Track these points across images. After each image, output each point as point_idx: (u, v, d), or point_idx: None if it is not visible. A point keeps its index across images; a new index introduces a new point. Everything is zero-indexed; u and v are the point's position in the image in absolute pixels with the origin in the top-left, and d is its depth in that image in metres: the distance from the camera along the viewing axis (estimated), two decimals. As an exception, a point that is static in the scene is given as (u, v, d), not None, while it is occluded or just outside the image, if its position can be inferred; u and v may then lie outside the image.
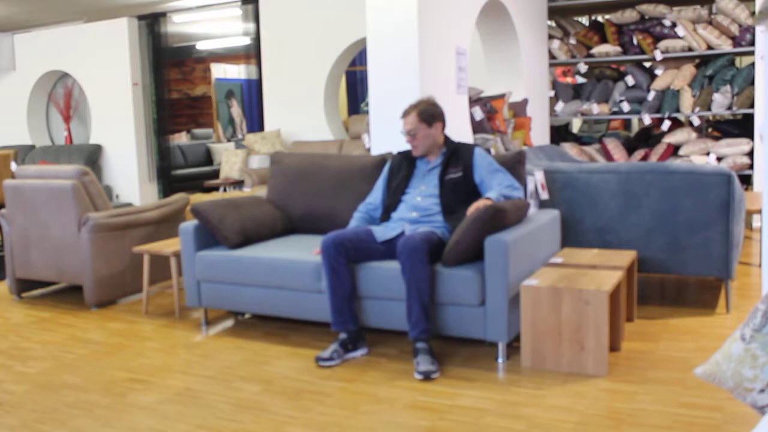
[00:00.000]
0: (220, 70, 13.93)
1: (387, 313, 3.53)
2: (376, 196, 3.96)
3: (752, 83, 6.60)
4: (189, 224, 4.07)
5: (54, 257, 4.69)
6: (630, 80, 7.24)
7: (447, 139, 3.84)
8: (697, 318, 3.97)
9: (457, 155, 3.76)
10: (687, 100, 6.87)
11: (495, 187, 3.64)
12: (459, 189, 3.68)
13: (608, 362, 3.17)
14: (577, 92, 7.60)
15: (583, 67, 7.57)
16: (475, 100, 5.62)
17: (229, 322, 4.26)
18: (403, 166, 3.87)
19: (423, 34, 4.56)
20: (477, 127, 5.46)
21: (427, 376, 3.22)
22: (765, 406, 1.78)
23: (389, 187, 3.90)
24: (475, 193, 3.70)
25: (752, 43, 6.55)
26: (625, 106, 7.20)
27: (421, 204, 3.72)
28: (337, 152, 7.87)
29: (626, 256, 3.78)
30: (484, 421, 2.77)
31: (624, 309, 3.51)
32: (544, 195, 4.25)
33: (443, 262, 3.41)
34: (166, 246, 4.43)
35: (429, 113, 3.72)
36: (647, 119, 7.21)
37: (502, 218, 3.38)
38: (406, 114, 3.74)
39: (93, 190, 4.66)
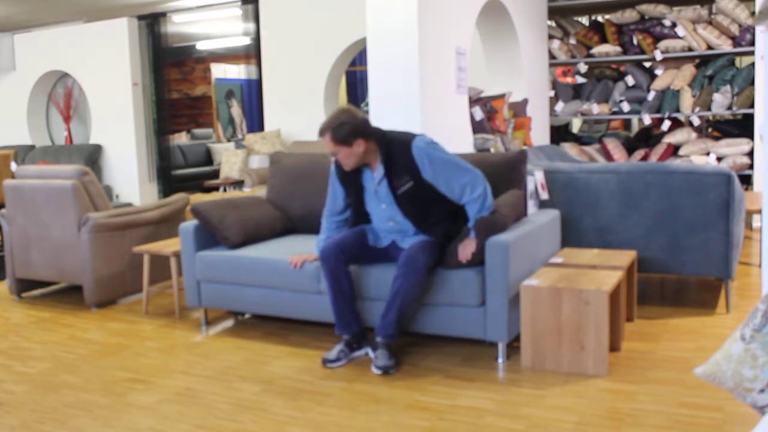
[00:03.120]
0: (220, 70, 13.92)
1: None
2: (337, 203, 3.64)
3: (752, 83, 6.60)
4: (189, 224, 4.07)
5: (54, 257, 4.69)
6: (630, 80, 7.24)
7: (380, 140, 3.38)
8: (697, 318, 3.97)
9: (394, 160, 3.35)
10: (687, 100, 6.87)
11: (457, 191, 3.35)
12: (419, 198, 3.41)
13: (608, 362, 3.18)
14: (577, 92, 7.60)
15: (583, 67, 7.57)
16: (475, 100, 5.62)
17: (229, 322, 4.26)
18: (351, 179, 3.50)
19: (423, 34, 4.55)
20: (477, 127, 5.46)
21: (385, 371, 3.27)
22: (765, 406, 1.78)
23: (348, 198, 3.59)
24: (436, 192, 3.39)
25: (752, 43, 6.55)
26: (625, 106, 7.19)
27: (396, 228, 3.52)
28: (337, 152, 7.85)
29: (626, 256, 3.78)
30: (484, 421, 2.77)
31: (624, 309, 3.51)
32: (544, 195, 4.25)
33: (444, 264, 3.40)
34: (166, 246, 4.43)
35: (344, 133, 3.27)
36: (647, 119, 7.21)
37: (503, 223, 3.39)
38: (321, 134, 3.34)
39: (93, 190, 4.66)
